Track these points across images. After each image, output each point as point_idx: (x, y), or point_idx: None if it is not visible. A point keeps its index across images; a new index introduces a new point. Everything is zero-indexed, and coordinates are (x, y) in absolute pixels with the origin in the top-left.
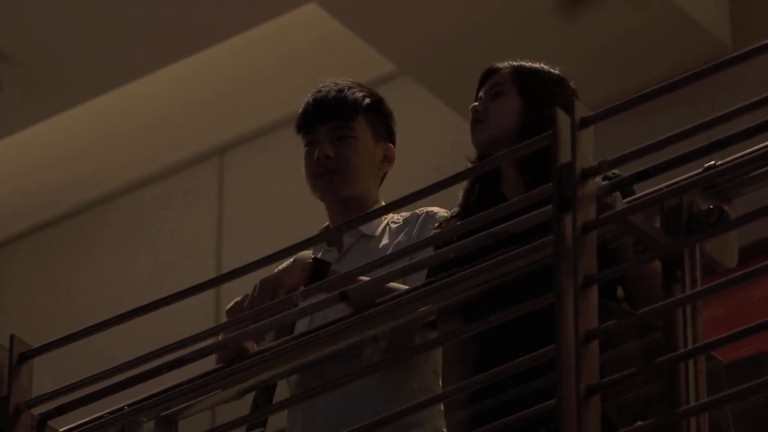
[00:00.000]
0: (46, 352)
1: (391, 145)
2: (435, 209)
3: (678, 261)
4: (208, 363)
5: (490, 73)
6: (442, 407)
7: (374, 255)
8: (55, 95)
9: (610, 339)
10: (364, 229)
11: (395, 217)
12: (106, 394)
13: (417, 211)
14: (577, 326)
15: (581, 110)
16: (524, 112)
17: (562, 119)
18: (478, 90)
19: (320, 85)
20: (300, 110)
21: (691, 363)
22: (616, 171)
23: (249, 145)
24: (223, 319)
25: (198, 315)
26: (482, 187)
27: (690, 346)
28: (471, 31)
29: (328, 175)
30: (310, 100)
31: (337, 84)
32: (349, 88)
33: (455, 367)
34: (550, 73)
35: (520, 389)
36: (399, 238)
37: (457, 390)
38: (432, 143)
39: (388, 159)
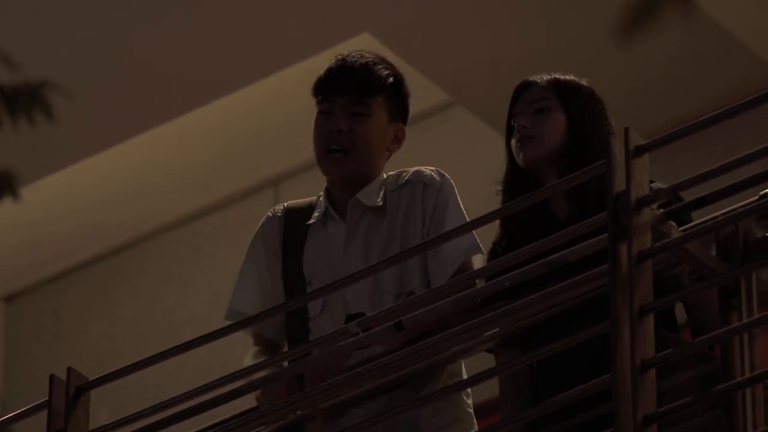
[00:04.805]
0: (103, 385)
1: (402, 125)
2: (421, 169)
3: (735, 289)
4: None
5: (525, 87)
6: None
7: (385, 233)
8: (111, 128)
9: (666, 369)
10: (366, 200)
11: (389, 179)
12: (162, 427)
13: (408, 177)
14: (633, 355)
15: (635, 138)
16: (570, 129)
17: (617, 147)
18: (513, 104)
19: (346, 53)
20: (321, 74)
21: (748, 392)
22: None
23: (304, 176)
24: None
25: None
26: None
27: (747, 375)
28: (524, 60)
29: (338, 154)
30: (334, 67)
31: (363, 57)
32: (375, 64)
33: (512, 393)
34: (583, 86)
35: (578, 418)
36: (400, 221)
37: (513, 420)
38: (484, 172)
39: (398, 139)
